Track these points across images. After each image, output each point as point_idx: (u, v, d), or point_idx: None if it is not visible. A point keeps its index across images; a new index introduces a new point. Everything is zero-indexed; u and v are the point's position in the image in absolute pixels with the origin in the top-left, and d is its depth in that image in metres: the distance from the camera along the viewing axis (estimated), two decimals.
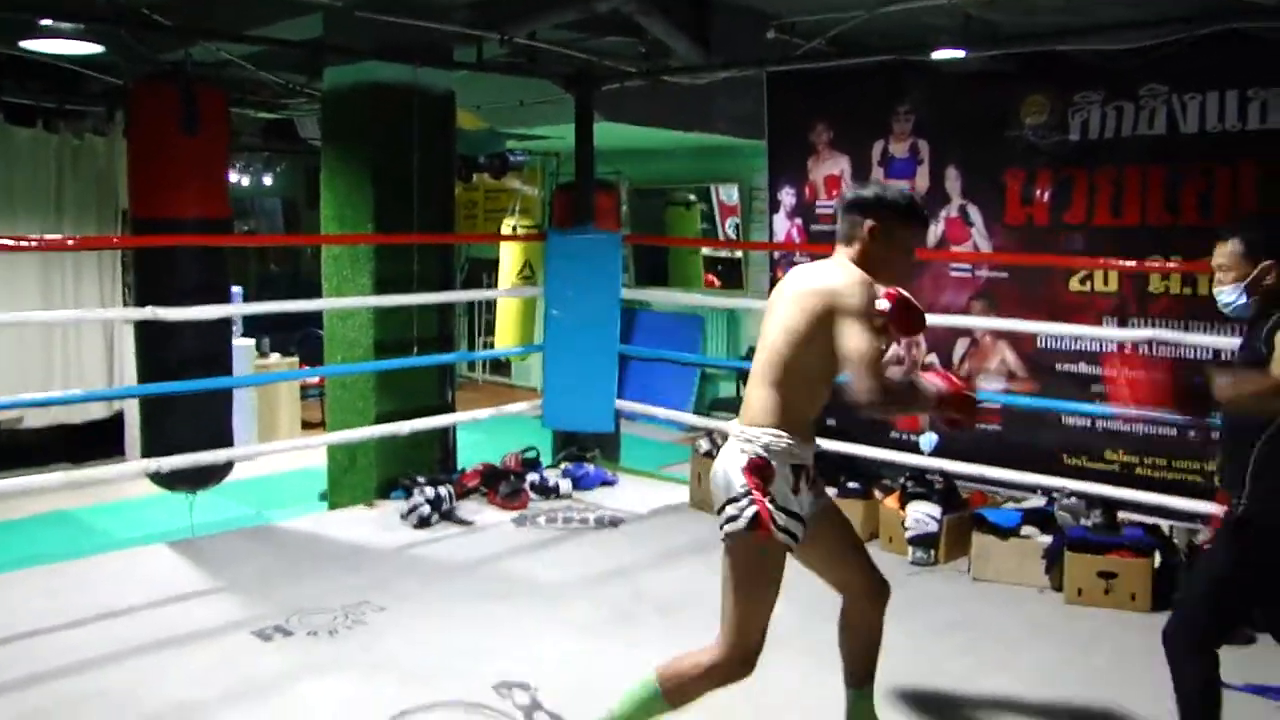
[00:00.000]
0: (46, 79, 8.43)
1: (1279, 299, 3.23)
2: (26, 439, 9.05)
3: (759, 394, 3.17)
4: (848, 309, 3.00)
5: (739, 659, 3.18)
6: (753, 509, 3.05)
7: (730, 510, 3.09)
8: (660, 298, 9.82)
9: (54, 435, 9.22)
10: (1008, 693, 3.89)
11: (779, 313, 3.16)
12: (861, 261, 3.16)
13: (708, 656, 3.17)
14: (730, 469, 3.12)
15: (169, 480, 5.44)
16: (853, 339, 2.98)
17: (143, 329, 5.44)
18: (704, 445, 6.33)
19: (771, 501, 3.07)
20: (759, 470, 3.09)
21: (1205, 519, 4.77)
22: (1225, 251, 3.32)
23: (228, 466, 5.64)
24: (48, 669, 3.94)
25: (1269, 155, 4.95)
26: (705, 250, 11.77)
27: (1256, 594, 3.39)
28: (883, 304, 3.09)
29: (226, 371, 5.63)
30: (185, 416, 5.38)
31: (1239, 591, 3.33)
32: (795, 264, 6.47)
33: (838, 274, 3.10)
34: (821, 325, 3.03)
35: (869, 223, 3.17)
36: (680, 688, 3.18)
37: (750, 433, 3.13)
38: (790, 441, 3.12)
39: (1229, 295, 3.33)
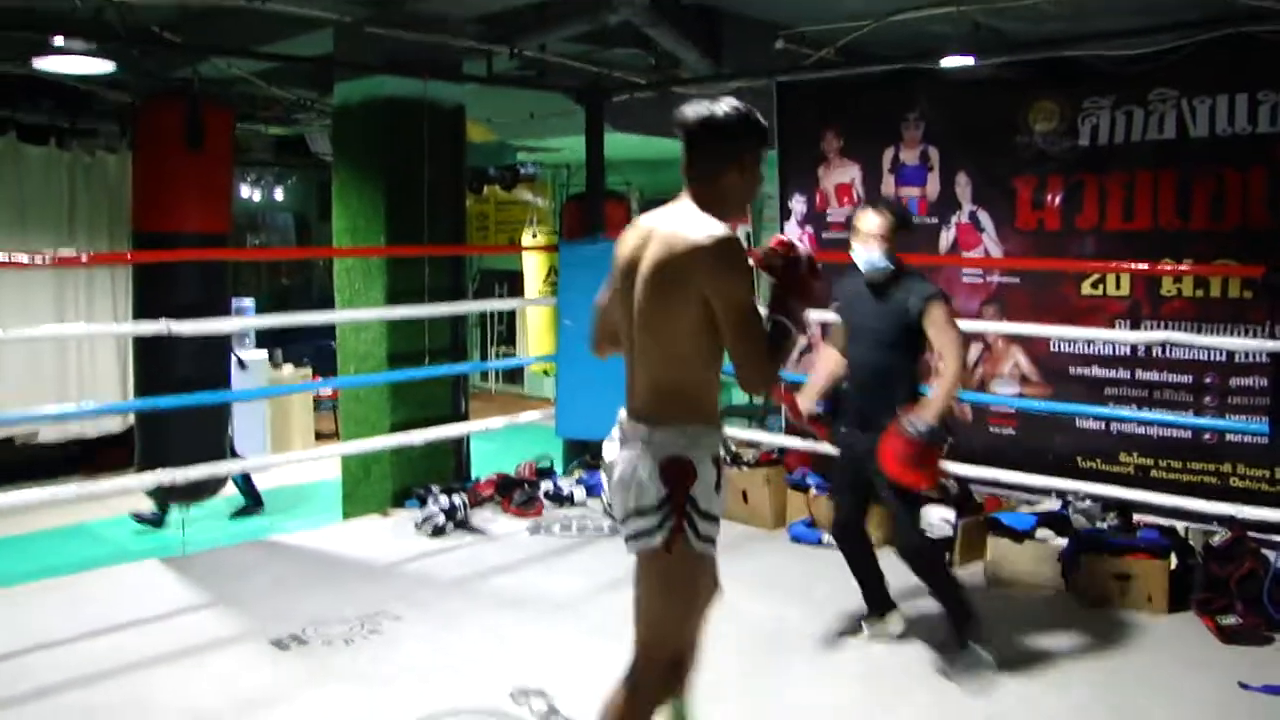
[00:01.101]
0: (58, 97, 8.50)
1: (901, 264, 4.06)
2: (41, 453, 9.10)
3: (656, 380, 2.72)
4: (726, 272, 2.61)
5: (667, 665, 2.86)
6: (667, 526, 2.65)
7: (640, 524, 2.69)
8: None
9: (68, 449, 9.26)
10: (1024, 696, 3.88)
11: (656, 284, 2.65)
12: (719, 203, 2.73)
13: (630, 689, 2.81)
14: (642, 472, 2.66)
15: (163, 495, 5.45)
16: (745, 320, 2.63)
17: (141, 345, 5.46)
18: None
19: (694, 508, 2.65)
20: (680, 474, 2.65)
21: (1221, 520, 4.76)
22: (879, 224, 3.98)
23: (221, 481, 5.66)
24: (64, 679, 3.95)
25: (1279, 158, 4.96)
26: None
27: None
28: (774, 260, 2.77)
29: (223, 387, 5.63)
30: (183, 432, 5.38)
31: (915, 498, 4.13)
32: None
33: (707, 226, 2.64)
34: (696, 293, 2.61)
35: (741, 154, 2.75)
36: None
37: (657, 432, 2.68)
38: (708, 432, 2.71)
39: (881, 260, 4.01)
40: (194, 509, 6.07)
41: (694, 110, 2.74)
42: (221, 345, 5.65)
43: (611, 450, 2.83)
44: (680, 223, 2.68)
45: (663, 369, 2.71)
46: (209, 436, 5.53)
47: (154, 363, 5.42)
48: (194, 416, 5.33)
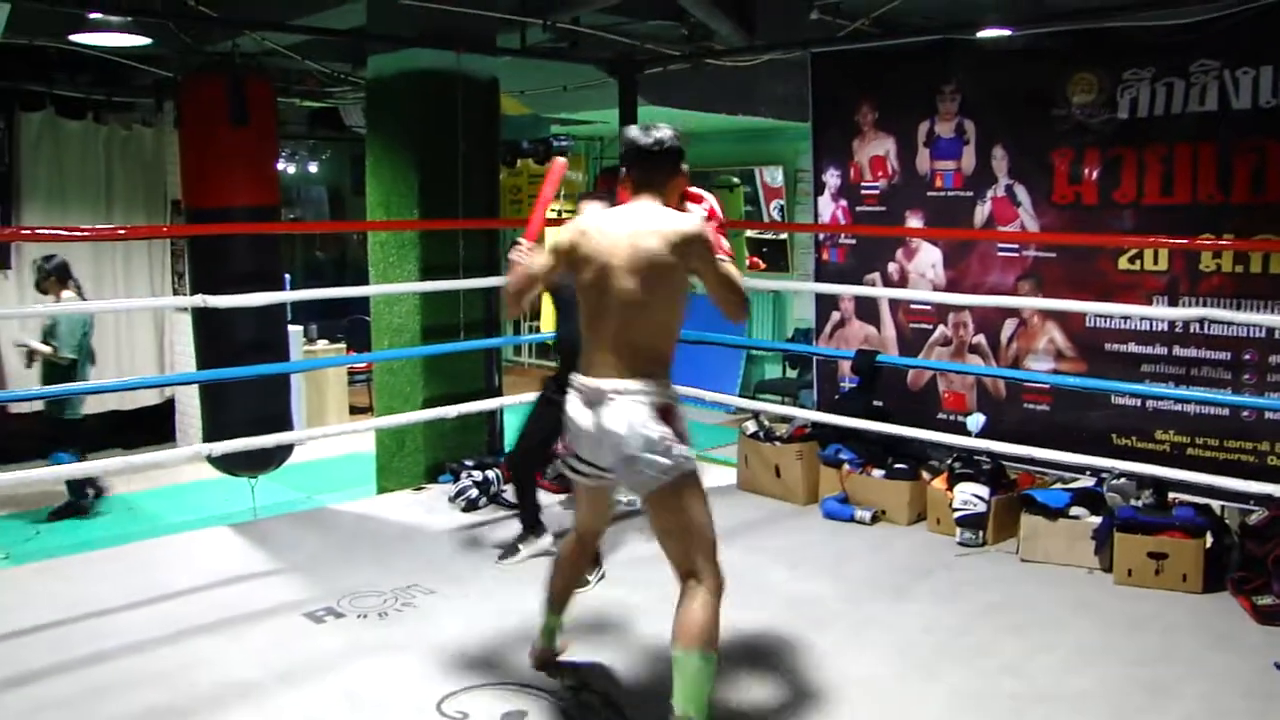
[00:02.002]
0: (95, 72, 8.56)
1: None
2: (80, 425, 9.21)
3: (640, 347, 3.27)
4: (709, 248, 3.29)
5: (721, 573, 3.38)
6: (682, 456, 3.25)
7: (663, 461, 3.21)
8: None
9: (107, 421, 9.37)
10: (1056, 673, 3.87)
11: (645, 269, 3.23)
12: (668, 201, 3.40)
13: (707, 593, 3.31)
14: (639, 423, 3.21)
15: (229, 464, 5.54)
16: (726, 270, 3.35)
17: (200, 317, 5.53)
18: (750, 427, 6.33)
19: (683, 440, 3.29)
20: (675, 416, 3.31)
21: (1258, 499, 4.72)
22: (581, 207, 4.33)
23: (288, 450, 5.72)
24: (107, 648, 4.02)
25: None
26: (750, 232, 11.73)
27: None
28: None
29: (283, 357, 5.71)
30: (244, 402, 5.47)
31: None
32: (839, 246, 6.55)
33: (683, 219, 3.30)
34: (682, 272, 3.27)
35: (684, 168, 3.45)
36: (713, 636, 3.28)
37: (648, 386, 3.25)
38: (672, 387, 3.35)
39: None
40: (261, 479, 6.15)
41: (649, 135, 3.41)
42: (280, 316, 5.72)
43: (584, 412, 3.31)
44: (663, 219, 3.30)
45: (648, 336, 3.28)
46: (271, 407, 5.60)
47: (213, 334, 5.49)
48: (255, 387, 5.41)
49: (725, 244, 3.52)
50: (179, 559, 5.09)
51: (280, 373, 5.76)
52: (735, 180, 11.65)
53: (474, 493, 5.86)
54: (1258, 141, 5.03)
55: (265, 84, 5.54)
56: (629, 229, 3.28)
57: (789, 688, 3.77)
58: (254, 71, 5.72)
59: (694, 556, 3.32)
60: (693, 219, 3.34)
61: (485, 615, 4.37)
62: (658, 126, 3.45)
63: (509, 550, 5.08)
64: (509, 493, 5.98)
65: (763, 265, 11.74)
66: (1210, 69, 5.13)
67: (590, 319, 3.34)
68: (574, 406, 3.36)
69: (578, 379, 3.37)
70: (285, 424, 5.69)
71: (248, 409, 5.47)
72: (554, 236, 3.49)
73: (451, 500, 5.90)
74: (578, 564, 3.85)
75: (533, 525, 5.11)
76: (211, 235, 5.48)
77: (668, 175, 3.42)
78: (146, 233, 9.70)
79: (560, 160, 4.09)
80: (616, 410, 3.23)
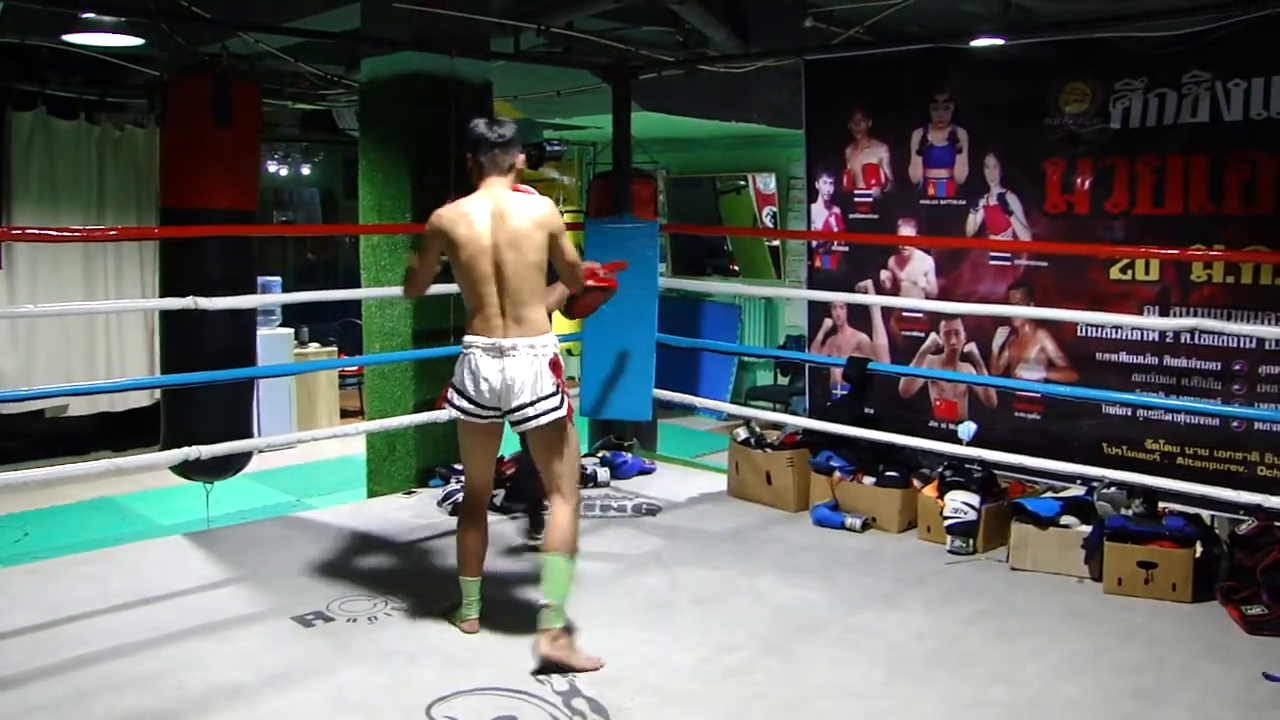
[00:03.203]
0: (88, 72, 8.54)
1: None
2: (70, 427, 9.19)
3: (531, 311, 4.00)
4: (562, 227, 4.08)
5: (579, 492, 4.20)
6: (565, 401, 4.03)
7: (547, 404, 3.98)
8: (695, 287, 9.79)
9: (96, 423, 9.35)
10: (1046, 682, 3.87)
11: (521, 243, 3.96)
12: (514, 183, 4.12)
13: (568, 508, 4.08)
14: (536, 372, 3.97)
15: (186, 470, 5.47)
16: (571, 248, 4.15)
17: (168, 321, 5.47)
18: (742, 434, 6.32)
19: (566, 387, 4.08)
20: (559, 368, 4.06)
21: (1248, 509, 4.73)
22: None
23: (245, 457, 5.67)
24: (92, 652, 3.99)
25: None
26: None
27: None
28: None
29: (251, 364, 5.64)
30: (205, 410, 5.39)
31: None
32: (832, 253, 6.55)
33: (538, 201, 4.07)
34: (544, 243, 4.02)
35: (521, 156, 4.15)
36: (573, 542, 4.05)
37: (540, 341, 4.00)
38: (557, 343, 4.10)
39: None
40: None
41: (499, 128, 4.10)
42: (249, 321, 5.67)
43: (492, 364, 3.98)
44: (524, 200, 4.07)
45: (530, 300, 4.00)
46: (235, 412, 5.55)
47: (181, 338, 5.43)
48: (220, 392, 5.35)
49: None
50: (166, 562, 5.07)
51: (259, 377, 5.70)
52: (741, 182, 11.64)
53: (461, 497, 5.83)
54: (1249, 153, 5.04)
55: (252, 85, 5.51)
56: (498, 210, 3.99)
57: (778, 695, 3.76)
58: (241, 72, 5.68)
59: (562, 479, 4.10)
60: (540, 200, 4.09)
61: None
62: (502, 121, 4.16)
63: (534, 527, 5.35)
64: (497, 497, 5.98)
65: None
66: (1202, 80, 5.14)
67: (478, 287, 4.00)
68: (480, 359, 4.00)
69: (479, 337, 4.02)
70: (246, 433, 5.62)
71: (210, 418, 5.38)
72: (428, 229, 4.11)
73: (439, 504, 5.89)
74: (484, 520, 4.38)
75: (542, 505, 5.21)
76: (185, 238, 5.40)
77: (511, 160, 4.11)
78: (138, 234, 9.66)
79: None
80: (511, 364, 3.96)
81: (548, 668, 3.87)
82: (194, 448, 5.08)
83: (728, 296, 11.71)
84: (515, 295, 3.97)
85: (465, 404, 4.07)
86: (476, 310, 4.03)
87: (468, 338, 4.06)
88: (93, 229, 8.92)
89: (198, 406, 5.39)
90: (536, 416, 3.99)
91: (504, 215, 3.98)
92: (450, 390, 4.12)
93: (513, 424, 4.07)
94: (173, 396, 5.54)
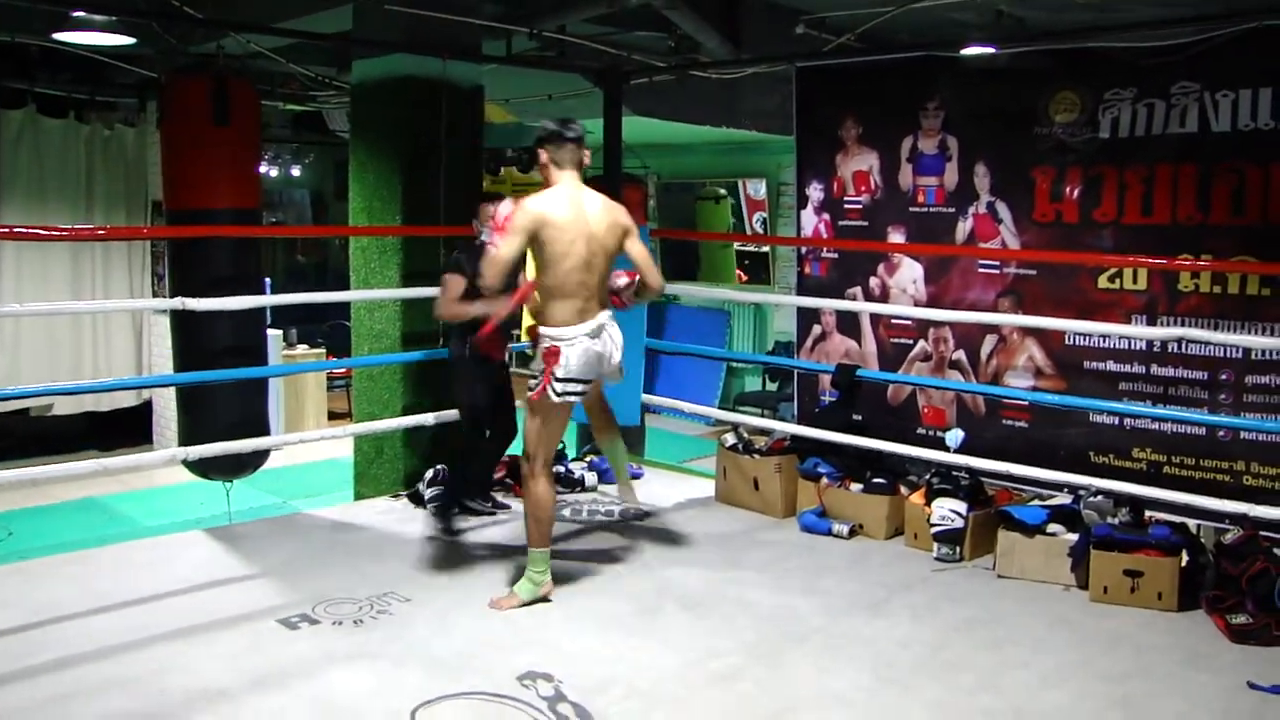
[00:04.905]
0: (78, 70, 8.51)
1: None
2: (55, 426, 9.16)
3: (604, 290, 4.45)
4: (634, 225, 4.52)
5: None
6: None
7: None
8: (688, 292, 9.82)
9: (82, 422, 9.31)
10: (1031, 689, 3.87)
11: (605, 234, 4.36)
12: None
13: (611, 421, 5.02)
14: (621, 341, 4.52)
15: (204, 468, 5.50)
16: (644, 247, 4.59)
17: (179, 319, 5.49)
18: (730, 439, 6.32)
19: None
20: None
21: (1234, 518, 4.74)
22: (489, 209, 4.88)
23: (264, 455, 5.68)
24: (76, 654, 3.98)
25: None
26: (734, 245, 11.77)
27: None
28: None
29: (261, 361, 5.67)
30: (222, 405, 5.43)
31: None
32: (821, 260, 6.56)
33: (610, 199, 4.49)
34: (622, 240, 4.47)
35: (587, 152, 4.44)
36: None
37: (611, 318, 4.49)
38: None
39: (486, 234, 4.85)
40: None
41: (574, 126, 4.40)
42: (259, 320, 5.68)
43: (597, 343, 4.38)
44: (599, 196, 4.44)
45: (605, 283, 4.44)
46: (249, 412, 5.56)
47: (191, 337, 5.45)
48: (235, 390, 5.38)
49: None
50: (151, 563, 5.05)
51: (257, 376, 5.72)
52: (721, 192, 11.68)
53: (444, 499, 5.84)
54: (1236, 164, 5.06)
55: (249, 86, 5.51)
56: (579, 201, 4.35)
57: (765, 702, 3.76)
58: (238, 73, 5.69)
59: (610, 415, 4.98)
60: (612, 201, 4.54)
61: (462, 624, 4.36)
62: (573, 120, 4.46)
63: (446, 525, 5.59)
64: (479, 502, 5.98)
65: (745, 278, 11.77)
66: (1190, 91, 5.16)
67: (572, 274, 4.28)
68: (591, 343, 4.34)
69: (579, 325, 4.33)
70: (263, 428, 5.65)
71: (226, 413, 5.44)
72: (523, 219, 4.26)
73: (423, 505, 5.88)
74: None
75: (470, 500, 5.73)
76: (191, 238, 5.44)
77: (579, 157, 4.45)
78: (126, 234, 9.65)
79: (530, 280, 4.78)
80: (609, 337, 4.41)
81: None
82: (183, 449, 5.10)
83: (717, 302, 11.71)
84: (600, 281, 4.37)
85: (584, 386, 4.39)
86: (567, 295, 4.29)
87: (569, 328, 4.32)
88: (81, 228, 8.90)
89: (214, 404, 5.43)
90: (608, 379, 4.60)
91: (588, 207, 4.31)
92: (561, 382, 4.32)
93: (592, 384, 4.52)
94: (188, 395, 5.57)
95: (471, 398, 5.54)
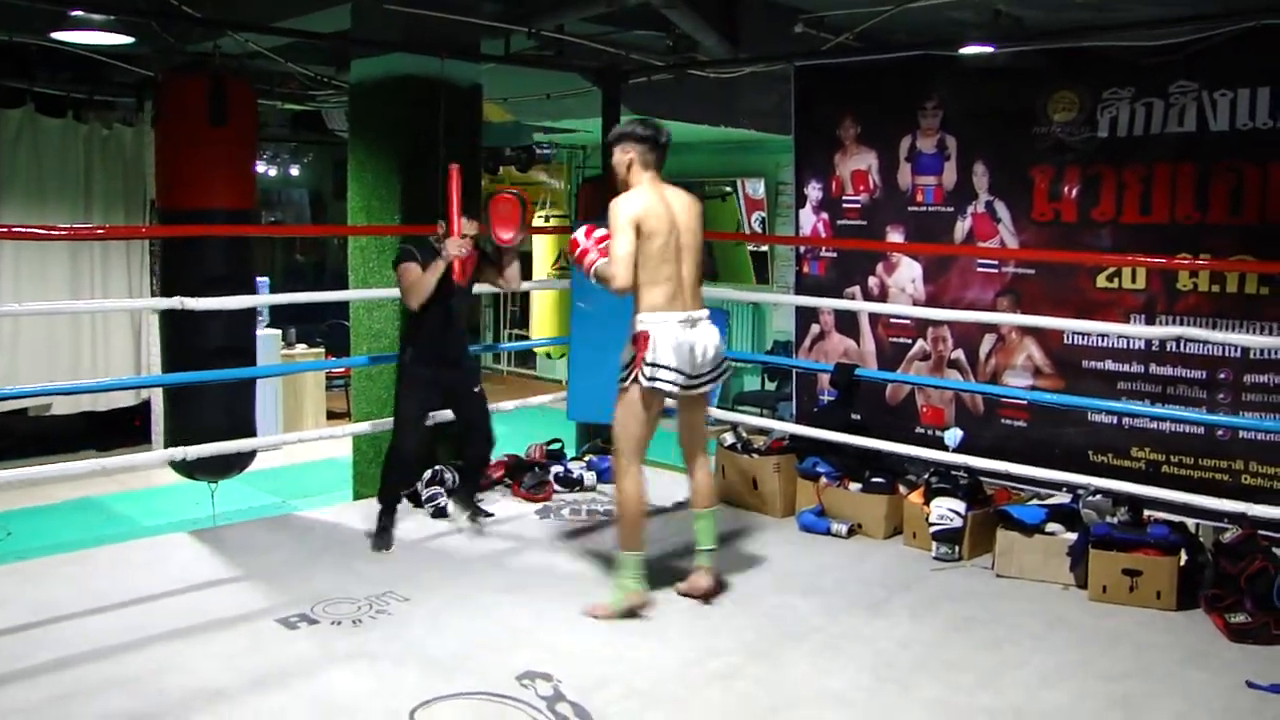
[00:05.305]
0: (76, 69, 8.50)
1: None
2: (54, 425, 9.15)
3: (698, 287, 4.53)
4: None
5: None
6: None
7: (717, 372, 4.57)
8: None
9: (81, 422, 9.30)
10: (1031, 689, 3.87)
11: (696, 232, 4.54)
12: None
13: (708, 466, 4.77)
14: (716, 344, 4.53)
15: (190, 469, 5.48)
16: None
17: (169, 318, 5.47)
18: (728, 439, 6.32)
19: None
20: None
21: (1232, 517, 4.74)
22: (474, 225, 5.19)
23: (250, 456, 5.67)
24: (74, 654, 3.98)
25: None
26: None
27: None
28: None
29: (251, 362, 5.65)
30: (209, 406, 5.41)
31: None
32: (820, 259, 6.56)
33: (690, 195, 4.61)
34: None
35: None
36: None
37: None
38: None
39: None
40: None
41: (659, 129, 4.51)
42: (249, 321, 5.67)
43: (689, 334, 4.42)
44: (680, 191, 4.56)
45: (698, 277, 4.53)
46: (236, 413, 5.54)
47: (181, 337, 5.43)
48: (222, 391, 5.36)
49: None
50: (150, 563, 5.05)
51: (251, 377, 5.71)
52: (727, 189, 11.66)
53: (443, 500, 5.84)
54: (1235, 163, 5.06)
55: (246, 85, 5.51)
56: (666, 199, 4.44)
57: (763, 701, 3.76)
58: (235, 72, 5.68)
59: (705, 440, 4.76)
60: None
61: (461, 623, 4.35)
62: (654, 121, 4.58)
63: (378, 541, 5.32)
64: (485, 501, 5.97)
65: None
66: (1189, 90, 5.16)
67: (665, 267, 4.37)
68: (681, 331, 4.38)
69: (671, 312, 4.38)
70: (249, 430, 5.63)
71: (213, 415, 5.40)
72: (627, 215, 4.33)
73: (421, 505, 5.87)
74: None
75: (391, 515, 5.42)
76: (185, 237, 5.42)
77: (662, 159, 4.55)
78: (125, 233, 9.62)
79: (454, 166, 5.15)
80: (703, 333, 4.46)
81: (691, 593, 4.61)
82: (179, 448, 5.09)
83: (715, 301, 11.69)
84: (694, 273, 4.46)
85: (675, 376, 4.36)
86: (658, 283, 4.36)
87: (660, 314, 4.36)
88: (80, 227, 8.89)
89: (201, 404, 5.41)
90: (710, 383, 4.55)
91: (674, 204, 4.45)
92: (652, 368, 4.33)
93: (686, 389, 4.45)
94: (175, 395, 5.54)
95: (406, 409, 5.44)
